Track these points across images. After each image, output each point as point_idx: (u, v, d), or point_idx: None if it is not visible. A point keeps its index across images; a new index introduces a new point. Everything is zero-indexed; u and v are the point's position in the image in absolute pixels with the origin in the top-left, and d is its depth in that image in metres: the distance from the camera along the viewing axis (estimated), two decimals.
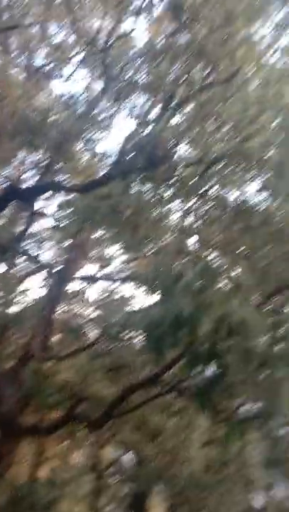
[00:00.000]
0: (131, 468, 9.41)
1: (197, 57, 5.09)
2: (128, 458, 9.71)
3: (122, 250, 8.52)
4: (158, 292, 2.33)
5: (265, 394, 3.17)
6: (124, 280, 7.79)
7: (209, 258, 6.90)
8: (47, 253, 11.79)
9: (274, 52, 5.59)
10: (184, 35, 5.63)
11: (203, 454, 7.45)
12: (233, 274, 7.29)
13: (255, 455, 7.18)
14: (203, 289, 2.20)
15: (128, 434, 7.94)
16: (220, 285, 2.40)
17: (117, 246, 9.17)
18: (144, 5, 6.83)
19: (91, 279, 8.77)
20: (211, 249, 6.78)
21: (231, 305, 2.18)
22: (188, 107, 5.52)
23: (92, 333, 8.22)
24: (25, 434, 8.27)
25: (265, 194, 4.85)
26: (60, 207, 9.48)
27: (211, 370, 2.51)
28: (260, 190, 4.94)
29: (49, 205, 11.50)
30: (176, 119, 6.10)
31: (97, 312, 8.77)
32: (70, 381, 7.96)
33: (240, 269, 7.12)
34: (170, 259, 6.70)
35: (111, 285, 8.59)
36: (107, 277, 8.64)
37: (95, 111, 9.82)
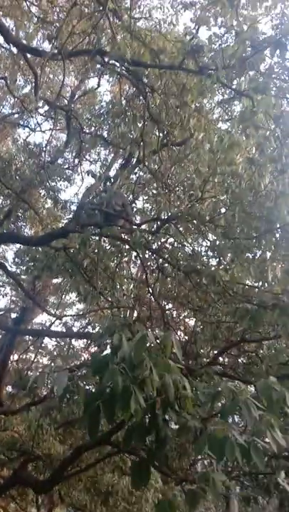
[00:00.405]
0: None
1: (153, 122, 5.38)
2: None
3: (78, 300, 8.46)
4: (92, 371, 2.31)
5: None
6: (77, 335, 7.69)
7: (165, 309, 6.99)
8: (2, 301, 11.53)
9: (224, 121, 6.02)
10: (141, 100, 5.96)
11: None
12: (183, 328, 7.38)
13: None
14: (139, 364, 2.21)
15: (79, 495, 7.56)
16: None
17: (73, 295, 9.13)
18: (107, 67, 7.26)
19: (45, 330, 8.59)
20: (165, 302, 6.89)
21: (166, 380, 2.20)
22: (145, 167, 5.75)
23: (45, 386, 7.95)
24: None
25: (213, 254, 5.05)
26: (18, 253, 9.44)
27: (151, 441, 2.49)
28: (208, 250, 5.15)
29: (7, 250, 11.43)
30: (133, 177, 6.36)
31: (51, 364, 8.54)
32: (21, 438, 7.59)
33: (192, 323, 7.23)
34: (124, 312, 6.73)
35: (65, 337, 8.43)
36: (62, 332, 8.50)
37: (59, 161, 10.07)
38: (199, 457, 6.13)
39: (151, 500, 6.67)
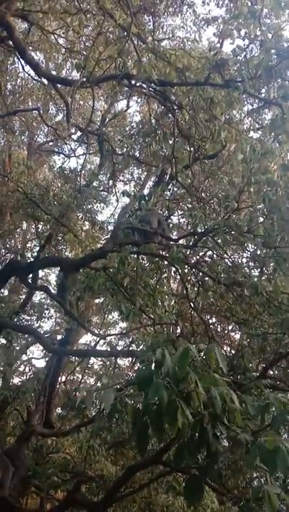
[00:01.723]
0: None
1: (183, 138, 5.43)
2: None
3: (120, 318, 8.51)
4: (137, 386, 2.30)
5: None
6: (121, 353, 7.70)
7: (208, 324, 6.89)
8: (47, 323, 11.79)
9: (254, 130, 5.98)
10: (171, 118, 6.04)
11: None
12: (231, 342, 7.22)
13: None
14: (184, 378, 2.20)
15: None
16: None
17: (116, 314, 9.20)
18: (134, 89, 7.42)
19: (90, 350, 8.68)
20: (208, 316, 6.80)
21: (213, 394, 2.17)
22: (178, 183, 5.78)
23: (94, 406, 8.00)
24: None
25: (254, 264, 4.96)
26: (60, 276, 9.65)
27: (202, 458, 2.44)
28: (249, 261, 5.06)
29: (50, 274, 11.74)
30: (167, 193, 6.40)
31: (97, 384, 8.57)
32: (72, 459, 7.64)
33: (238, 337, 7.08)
34: (167, 329, 6.70)
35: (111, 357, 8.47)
36: (107, 351, 8.55)
37: (94, 184, 10.32)
38: (255, 475, 5.92)
39: None
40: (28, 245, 12.28)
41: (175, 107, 5.07)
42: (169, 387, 2.08)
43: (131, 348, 8.98)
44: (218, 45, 6.35)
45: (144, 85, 4.63)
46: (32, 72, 9.48)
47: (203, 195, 5.67)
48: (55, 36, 8.05)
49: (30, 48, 8.42)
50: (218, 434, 2.34)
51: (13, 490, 7.58)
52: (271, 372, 6.31)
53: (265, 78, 3.60)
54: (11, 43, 6.42)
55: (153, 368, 2.25)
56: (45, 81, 9.56)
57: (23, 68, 8.91)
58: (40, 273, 10.60)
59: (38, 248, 10.20)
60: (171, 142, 5.66)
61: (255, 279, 4.60)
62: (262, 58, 3.56)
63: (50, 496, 8.53)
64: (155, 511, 7.13)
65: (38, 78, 9.64)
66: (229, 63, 3.95)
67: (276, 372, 6.55)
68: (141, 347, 7.72)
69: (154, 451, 5.49)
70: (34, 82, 10.07)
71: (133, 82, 4.83)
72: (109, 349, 9.11)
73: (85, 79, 4.45)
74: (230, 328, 7.78)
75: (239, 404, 2.31)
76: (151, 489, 6.87)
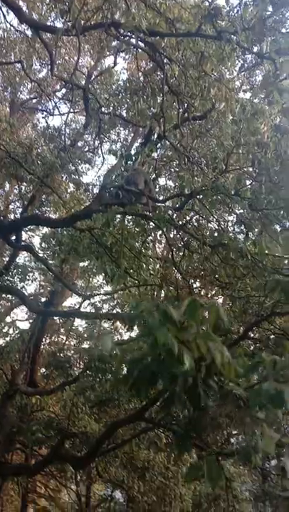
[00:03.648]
0: (120, 507, 9.14)
1: (172, 95, 5.24)
2: (117, 496, 9.44)
3: (105, 281, 8.51)
4: (138, 327, 2.33)
5: (247, 432, 3.10)
6: (107, 315, 7.76)
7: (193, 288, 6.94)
8: (31, 286, 11.73)
9: (245, 91, 5.82)
10: (160, 74, 5.82)
11: (193, 490, 7.29)
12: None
13: (245, 489, 7.03)
14: (186, 326, 2.20)
15: (116, 470, 7.75)
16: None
17: (100, 278, 9.19)
18: (122, 44, 7.09)
19: (75, 311, 8.71)
20: (192, 280, 6.83)
21: (209, 345, 2.18)
22: (166, 142, 5.64)
23: (78, 366, 8.12)
24: (12, 473, 8.03)
25: (241, 227, 4.94)
26: (44, 238, 9.53)
27: (190, 411, 2.49)
28: (236, 224, 5.04)
29: (33, 236, 11.58)
30: (155, 154, 6.25)
31: (83, 344, 8.69)
32: (57, 417, 7.80)
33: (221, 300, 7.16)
34: (153, 290, 6.72)
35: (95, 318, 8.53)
36: (92, 312, 8.61)
37: (79, 144, 10.03)
38: (234, 432, 6.15)
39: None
40: (11, 207, 12.04)
41: (165, 61, 4.86)
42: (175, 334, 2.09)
43: (115, 311, 9.05)
44: None
45: (133, 35, 4.40)
46: (14, 23, 9.00)
47: (191, 156, 5.55)
48: None
49: None
50: (208, 389, 2.37)
51: None
52: (252, 335, 6.45)
53: (259, 30, 3.45)
54: None
55: (160, 316, 2.24)
56: (28, 33, 9.10)
57: (4, 18, 8.40)
58: (24, 235, 10.45)
59: (21, 210, 10.00)
60: (159, 99, 5.48)
61: (241, 242, 4.59)
62: (257, 6, 3.38)
63: (35, 452, 8.76)
64: (137, 466, 7.42)
65: (20, 29, 9.18)
66: (222, 13, 3.76)
67: (257, 335, 6.70)
68: (125, 309, 7.78)
69: (136, 409, 5.64)
70: (17, 34, 9.55)
71: (121, 31, 4.59)
72: (94, 311, 9.17)
73: (70, 25, 4.20)
74: (213, 292, 7.86)
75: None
76: (133, 445, 7.10)
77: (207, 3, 4.16)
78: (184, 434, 2.44)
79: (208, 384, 2.35)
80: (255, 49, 4.31)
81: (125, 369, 2.53)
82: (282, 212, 4.51)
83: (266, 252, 4.31)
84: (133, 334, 6.64)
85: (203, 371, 2.24)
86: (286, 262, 4.34)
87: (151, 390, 4.93)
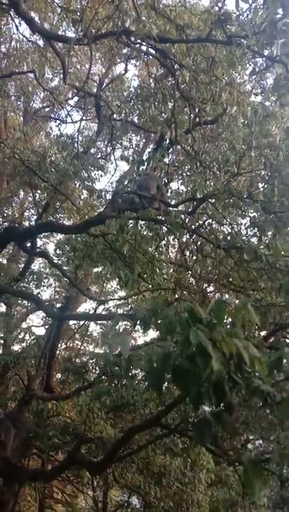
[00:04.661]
0: None
1: (184, 100, 5.28)
2: (134, 501, 9.41)
3: (119, 286, 8.54)
4: (156, 330, 2.36)
5: (268, 434, 3.11)
6: (123, 317, 7.77)
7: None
8: (47, 292, 11.82)
9: (256, 94, 5.82)
10: (170, 80, 5.86)
11: (210, 496, 7.22)
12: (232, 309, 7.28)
13: (263, 495, 6.93)
14: (208, 326, 2.23)
15: (133, 476, 7.73)
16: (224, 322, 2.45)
17: (114, 283, 9.23)
18: (133, 52, 7.16)
19: (90, 314, 8.76)
20: (206, 285, 6.81)
21: (237, 343, 2.21)
22: (178, 147, 5.67)
23: (94, 371, 8.15)
24: (28, 478, 8.07)
25: (254, 230, 4.92)
26: (59, 245, 9.62)
27: (212, 409, 2.51)
28: (249, 227, 5.02)
29: (48, 243, 11.70)
30: (167, 159, 6.28)
31: (98, 349, 8.71)
32: (73, 422, 7.83)
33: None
34: (167, 294, 6.73)
35: (110, 322, 8.56)
36: (107, 314, 8.64)
37: (91, 151, 10.12)
38: (251, 437, 6.09)
39: (204, 480, 6.71)
40: (26, 214, 12.19)
41: (175, 67, 4.90)
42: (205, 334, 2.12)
43: (131, 313, 9.05)
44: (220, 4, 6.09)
45: (144, 43, 4.45)
46: (27, 33, 9.17)
47: (203, 159, 5.56)
48: None
49: (24, 6, 8.05)
50: (234, 386, 2.39)
51: (15, 451, 7.81)
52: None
53: (269, 33, 3.46)
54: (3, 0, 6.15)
55: (188, 316, 2.28)
56: (40, 43, 9.26)
57: (17, 29, 8.59)
58: (39, 242, 10.56)
59: (35, 217, 10.13)
60: (170, 105, 5.51)
61: (255, 244, 4.57)
62: (267, 10, 3.40)
63: (51, 457, 8.80)
64: (153, 471, 7.39)
65: (32, 39, 9.34)
66: (232, 18, 3.79)
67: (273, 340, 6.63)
68: (140, 312, 7.77)
69: (153, 415, 5.63)
70: (29, 44, 9.72)
71: (132, 39, 4.64)
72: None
73: (82, 34, 4.27)
74: (227, 296, 7.81)
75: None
76: (150, 450, 7.08)
77: (217, 9, 4.20)
78: (206, 421, 2.45)
79: (235, 381, 2.37)
80: (266, 52, 4.33)
81: (153, 366, 2.55)
82: None
83: (281, 253, 4.29)
84: (147, 339, 6.64)
85: (232, 368, 2.26)
86: None
87: (167, 396, 4.93)
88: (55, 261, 9.42)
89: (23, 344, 9.32)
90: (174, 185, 6.91)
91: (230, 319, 2.44)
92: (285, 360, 2.29)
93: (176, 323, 2.27)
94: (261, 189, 4.65)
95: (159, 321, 2.69)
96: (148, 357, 2.46)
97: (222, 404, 2.36)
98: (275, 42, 3.91)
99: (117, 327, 8.98)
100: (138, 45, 4.92)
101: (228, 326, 2.47)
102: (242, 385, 2.32)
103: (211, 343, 2.17)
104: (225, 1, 4.06)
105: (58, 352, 9.80)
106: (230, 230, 5.13)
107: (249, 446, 6.17)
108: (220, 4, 3.90)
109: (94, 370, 8.01)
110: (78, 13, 7.47)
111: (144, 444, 6.53)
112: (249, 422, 5.02)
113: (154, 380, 2.38)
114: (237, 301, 6.97)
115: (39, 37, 7.59)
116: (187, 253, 6.29)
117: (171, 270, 7.44)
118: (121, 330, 9.96)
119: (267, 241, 4.53)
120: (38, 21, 9.31)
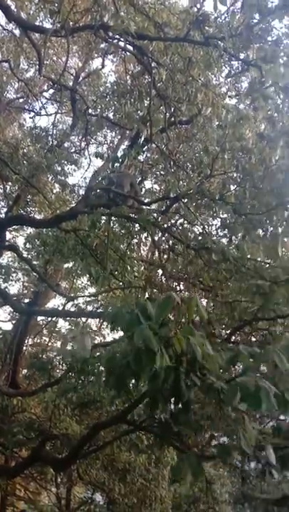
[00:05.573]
0: (101, 509, 9.10)
1: (160, 98, 5.29)
2: (98, 498, 9.40)
3: (90, 283, 8.50)
4: (120, 328, 2.36)
5: (228, 429, 3.19)
6: (91, 314, 7.74)
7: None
8: (15, 287, 11.62)
9: (231, 97, 5.90)
10: (147, 77, 5.86)
11: (173, 492, 7.31)
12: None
13: (225, 491, 7.08)
14: (165, 324, 2.24)
15: (97, 473, 7.72)
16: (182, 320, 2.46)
17: (85, 279, 9.16)
18: (111, 47, 7.12)
19: (58, 310, 8.67)
20: (176, 283, 6.87)
21: (190, 340, 2.22)
22: (153, 146, 5.68)
23: (60, 368, 8.08)
24: None
25: (224, 231, 5.00)
26: (29, 239, 9.46)
27: (173, 407, 2.53)
28: (219, 228, 5.10)
29: (18, 236, 11.47)
30: (141, 157, 6.29)
31: (65, 346, 8.63)
32: (38, 418, 7.74)
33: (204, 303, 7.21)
34: (136, 292, 6.74)
35: (78, 319, 8.51)
36: (76, 311, 8.58)
37: (65, 145, 9.99)
38: (216, 434, 6.18)
39: (167, 477, 6.78)
40: None
41: (153, 65, 4.90)
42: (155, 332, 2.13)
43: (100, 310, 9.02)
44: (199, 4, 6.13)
45: (122, 38, 4.43)
46: (2, 22, 8.94)
47: (177, 159, 5.60)
48: None
49: None
50: (190, 383, 2.40)
51: None
52: (234, 338, 6.50)
53: (246, 37, 3.51)
54: None
55: (138, 312, 2.27)
56: (16, 32, 9.05)
57: None
58: (8, 235, 10.35)
59: (5, 209, 9.91)
60: (146, 103, 5.51)
61: (224, 246, 4.65)
62: (244, 14, 3.45)
63: (15, 454, 8.67)
64: (118, 468, 7.40)
65: (8, 28, 9.12)
66: (210, 19, 3.82)
67: (239, 338, 6.75)
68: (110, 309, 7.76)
69: (118, 411, 5.63)
70: (4, 33, 9.48)
71: (110, 34, 4.61)
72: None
73: (59, 26, 4.21)
74: (196, 295, 7.89)
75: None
76: (115, 447, 7.08)
77: (195, 9, 4.23)
78: (165, 425, 2.48)
79: (190, 378, 2.39)
80: (242, 56, 4.39)
81: (104, 368, 2.55)
82: (265, 216, 4.58)
83: (248, 256, 4.38)
84: (117, 336, 6.65)
85: (185, 365, 2.27)
86: (268, 266, 4.41)
87: (134, 392, 4.95)
88: (25, 255, 9.25)
89: None
90: (147, 183, 6.93)
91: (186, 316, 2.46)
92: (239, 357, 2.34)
93: (134, 320, 2.28)
94: (233, 191, 4.72)
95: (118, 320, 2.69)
96: (107, 357, 2.46)
97: (179, 404, 2.39)
98: (251, 46, 3.97)
99: (84, 325, 8.94)
100: (116, 40, 4.89)
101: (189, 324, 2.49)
102: (196, 382, 2.35)
103: (163, 340, 2.18)
104: (203, 2, 4.08)
105: (24, 347, 9.66)
106: (201, 231, 5.19)
107: (214, 442, 6.26)
108: (198, 5, 3.92)
109: (61, 367, 7.94)
110: (56, 4, 7.37)
111: (109, 440, 6.53)
112: (213, 418, 5.09)
113: (113, 380, 2.39)
114: (206, 301, 7.07)
115: (15, 26, 7.41)
116: (156, 252, 6.33)
117: (142, 268, 7.46)
118: (89, 328, 9.92)
119: (237, 242, 4.61)
120: (15, 10, 9.09)
